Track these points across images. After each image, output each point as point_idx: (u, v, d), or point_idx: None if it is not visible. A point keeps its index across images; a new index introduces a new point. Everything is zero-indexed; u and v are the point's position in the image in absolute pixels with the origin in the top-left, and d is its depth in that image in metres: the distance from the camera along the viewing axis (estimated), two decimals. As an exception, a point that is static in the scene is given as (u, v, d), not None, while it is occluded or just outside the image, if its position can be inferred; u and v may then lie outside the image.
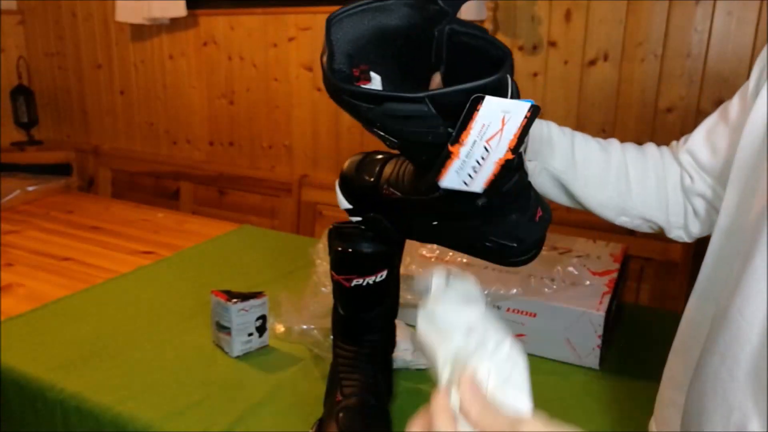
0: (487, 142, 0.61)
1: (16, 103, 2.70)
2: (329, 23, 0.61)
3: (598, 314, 1.03)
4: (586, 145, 0.81)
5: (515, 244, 0.72)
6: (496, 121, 0.59)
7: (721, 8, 1.55)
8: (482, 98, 0.57)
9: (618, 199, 0.82)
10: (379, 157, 0.82)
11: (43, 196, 2.13)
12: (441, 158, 0.62)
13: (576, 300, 1.06)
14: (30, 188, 2.11)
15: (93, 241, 1.69)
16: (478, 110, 0.58)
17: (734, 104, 0.77)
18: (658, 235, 0.89)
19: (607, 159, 0.81)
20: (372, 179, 0.79)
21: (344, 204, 0.83)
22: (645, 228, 0.86)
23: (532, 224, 0.72)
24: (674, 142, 0.86)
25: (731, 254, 0.67)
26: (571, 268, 1.15)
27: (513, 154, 0.61)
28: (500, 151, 0.62)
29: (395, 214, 0.79)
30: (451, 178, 0.63)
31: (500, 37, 1.81)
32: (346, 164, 0.84)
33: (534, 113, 0.59)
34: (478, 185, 0.64)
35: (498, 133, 0.61)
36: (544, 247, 1.28)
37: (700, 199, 0.81)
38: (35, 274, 1.46)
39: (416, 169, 0.73)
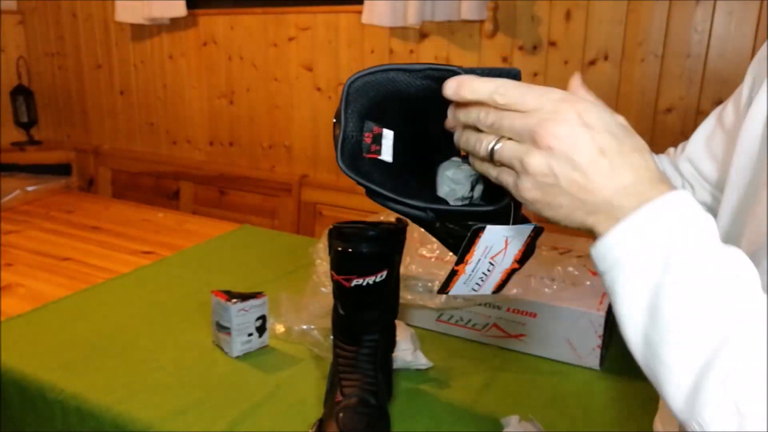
0: (491, 259, 0.62)
1: (16, 103, 2.70)
2: (349, 87, 0.60)
3: (599, 314, 1.03)
4: None
5: None
6: (498, 243, 0.60)
7: (721, 8, 1.55)
8: (483, 229, 0.58)
9: None
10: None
11: (44, 196, 2.13)
12: (448, 275, 0.62)
13: (576, 300, 1.06)
14: (30, 188, 2.12)
15: (93, 241, 1.69)
16: (480, 237, 0.58)
17: (729, 111, 0.77)
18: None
19: None
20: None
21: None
22: None
23: None
24: (671, 150, 0.86)
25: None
26: (571, 269, 1.15)
27: (519, 264, 0.62)
28: (506, 263, 0.63)
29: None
30: (458, 288, 0.64)
31: (500, 37, 1.81)
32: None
33: (537, 234, 0.60)
34: (486, 290, 0.65)
35: (502, 251, 0.61)
36: (544, 247, 1.28)
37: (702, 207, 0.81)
38: (35, 274, 1.46)
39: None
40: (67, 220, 1.89)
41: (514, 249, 0.62)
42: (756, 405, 0.40)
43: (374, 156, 0.62)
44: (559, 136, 0.46)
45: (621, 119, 0.49)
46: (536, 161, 0.46)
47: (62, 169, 2.62)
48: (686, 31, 1.60)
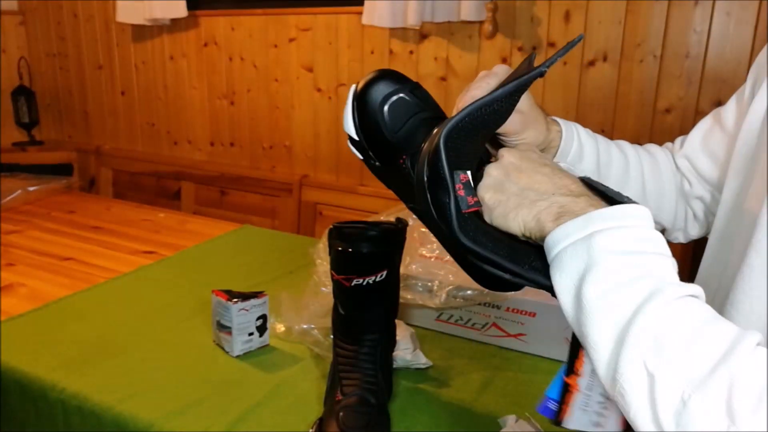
0: None
1: (18, 104, 2.71)
2: (448, 142, 0.54)
3: (597, 314, 1.03)
4: (607, 148, 0.81)
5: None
6: None
7: (720, 9, 1.55)
8: None
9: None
10: (425, 116, 0.66)
11: (45, 196, 2.13)
12: (561, 393, 0.56)
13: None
14: (31, 188, 2.12)
15: (94, 240, 1.69)
16: None
17: (729, 109, 0.78)
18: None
19: (626, 162, 0.81)
20: (395, 135, 0.65)
21: (350, 129, 0.68)
22: None
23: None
24: (669, 145, 0.87)
25: (727, 251, 0.68)
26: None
27: None
28: None
29: (397, 183, 0.69)
30: (577, 418, 0.57)
31: (500, 37, 1.82)
32: (373, 87, 0.66)
33: None
34: (612, 425, 0.57)
35: None
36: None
37: (699, 202, 0.83)
38: (37, 273, 1.46)
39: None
40: (69, 220, 1.90)
41: None
42: (662, 364, 0.43)
43: (475, 209, 0.55)
44: (509, 152, 0.59)
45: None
46: (492, 166, 0.58)
47: (63, 170, 2.62)
48: (685, 31, 1.60)
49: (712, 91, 1.61)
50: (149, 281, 1.42)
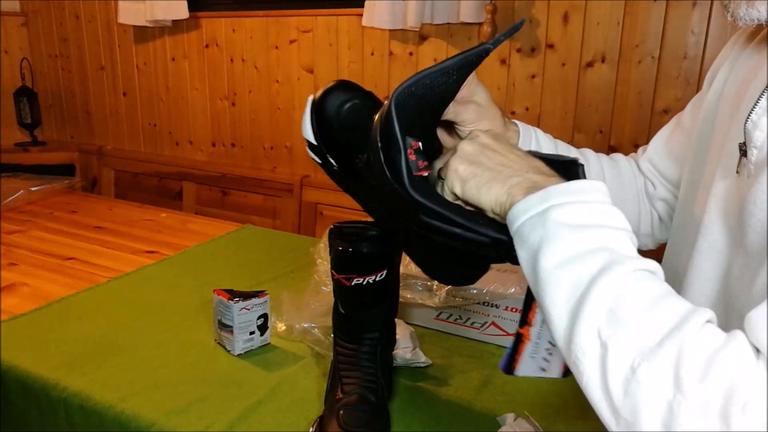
0: None
1: (20, 105, 2.72)
2: (398, 103, 0.57)
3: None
4: (567, 152, 0.82)
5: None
6: None
7: (718, 10, 1.56)
8: None
9: None
10: (373, 117, 0.66)
11: (47, 197, 2.14)
12: (513, 343, 0.59)
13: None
14: (34, 188, 2.13)
15: (96, 240, 1.70)
16: None
17: (687, 111, 0.79)
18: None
19: (587, 168, 0.83)
20: (351, 137, 0.70)
21: (309, 134, 0.73)
22: None
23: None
24: (634, 153, 0.88)
25: (681, 239, 0.70)
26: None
27: None
28: None
29: (354, 185, 0.74)
30: (525, 365, 0.61)
31: (500, 39, 1.83)
32: (330, 96, 0.71)
33: None
34: (554, 370, 0.62)
35: None
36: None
37: (663, 204, 0.84)
38: (39, 273, 1.47)
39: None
40: (71, 220, 1.91)
41: None
42: (615, 333, 0.44)
43: (424, 173, 0.58)
44: (480, 134, 0.61)
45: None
46: (465, 143, 0.59)
47: (66, 170, 2.63)
48: (683, 33, 1.61)
49: (711, 92, 1.62)
50: (151, 281, 1.42)
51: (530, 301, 0.57)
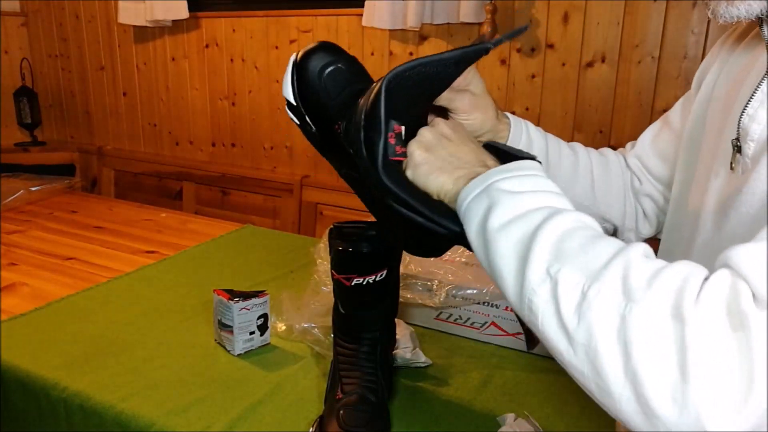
0: None
1: (20, 105, 2.72)
2: (389, 87, 0.58)
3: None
4: (557, 145, 0.83)
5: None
6: None
7: (718, 10, 1.56)
8: None
9: (583, 199, 0.83)
10: (360, 87, 0.68)
11: (47, 197, 2.14)
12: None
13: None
14: (34, 188, 2.13)
15: (96, 240, 1.70)
16: None
17: (676, 111, 0.80)
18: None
19: (576, 160, 0.83)
20: (332, 102, 0.69)
21: (288, 93, 0.71)
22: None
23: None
24: (622, 149, 0.89)
25: (674, 240, 0.71)
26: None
27: None
28: None
29: (331, 150, 0.72)
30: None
31: (499, 39, 1.83)
32: (312, 57, 0.69)
33: None
34: None
35: None
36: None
37: (648, 200, 0.85)
38: (39, 273, 1.47)
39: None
40: (71, 220, 1.91)
41: None
42: (565, 267, 0.46)
43: (400, 159, 0.60)
44: (439, 123, 0.64)
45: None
46: (425, 132, 0.62)
47: (66, 170, 2.63)
48: (683, 32, 1.61)
49: (711, 92, 1.62)
50: (151, 281, 1.42)
51: None
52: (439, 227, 0.58)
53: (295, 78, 0.69)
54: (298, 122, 0.72)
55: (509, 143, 0.77)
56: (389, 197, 0.58)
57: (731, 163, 0.58)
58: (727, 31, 0.70)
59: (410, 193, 0.58)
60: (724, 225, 0.58)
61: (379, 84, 0.59)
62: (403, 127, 0.60)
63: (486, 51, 0.62)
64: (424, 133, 0.62)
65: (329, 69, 0.68)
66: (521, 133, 0.78)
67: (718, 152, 0.62)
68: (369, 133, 0.58)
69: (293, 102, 0.70)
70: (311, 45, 0.70)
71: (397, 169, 0.59)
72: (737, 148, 0.57)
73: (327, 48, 0.70)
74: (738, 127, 0.57)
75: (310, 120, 0.70)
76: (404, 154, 0.61)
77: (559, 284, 0.46)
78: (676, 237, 0.72)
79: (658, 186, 0.84)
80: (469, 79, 0.71)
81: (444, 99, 0.70)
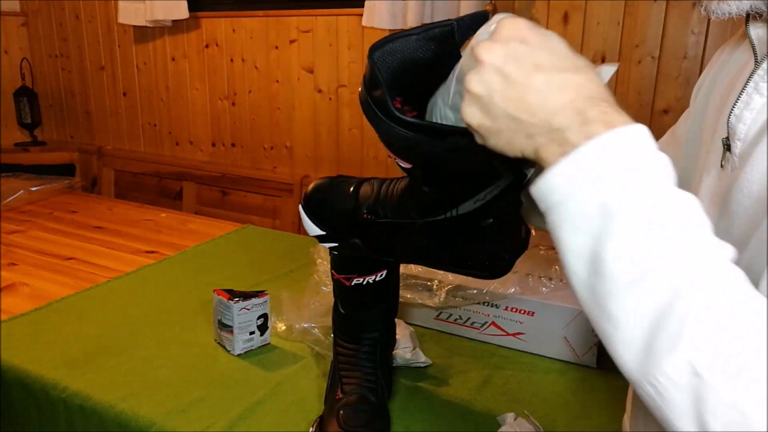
0: None
1: (20, 105, 2.72)
2: (373, 52, 0.60)
3: (595, 313, 1.04)
4: None
5: (497, 263, 0.77)
6: None
7: (718, 10, 1.56)
8: None
9: None
10: (350, 181, 0.82)
11: (47, 197, 2.14)
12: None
13: (573, 299, 1.07)
14: (34, 188, 2.13)
15: (96, 240, 1.70)
16: None
17: (680, 125, 0.80)
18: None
19: None
20: (349, 203, 0.79)
21: (314, 230, 0.82)
22: None
23: (515, 246, 0.77)
24: None
25: None
26: (568, 268, 1.16)
27: None
28: None
29: (375, 238, 0.80)
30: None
31: (500, 38, 1.83)
32: (310, 189, 0.83)
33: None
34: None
35: None
36: (542, 247, 1.29)
37: None
38: (39, 273, 1.47)
39: (413, 191, 0.75)
40: (71, 220, 1.91)
41: None
42: (713, 365, 0.37)
43: (413, 114, 0.61)
44: (491, 50, 0.44)
45: (563, 41, 0.46)
46: (472, 78, 0.45)
47: (66, 170, 2.63)
48: (683, 32, 1.61)
49: (711, 92, 1.62)
50: (151, 281, 1.42)
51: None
52: (445, 157, 0.59)
53: (309, 219, 0.81)
54: (338, 246, 0.83)
55: None
56: (411, 131, 0.58)
57: (722, 162, 0.59)
58: (729, 39, 0.71)
59: (418, 127, 0.58)
60: (717, 222, 0.59)
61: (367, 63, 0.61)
62: (405, 105, 0.61)
63: (449, 27, 0.61)
64: (470, 85, 0.45)
65: (325, 196, 0.81)
66: None
67: (711, 152, 0.62)
68: (373, 94, 0.59)
69: (323, 233, 0.81)
70: (307, 190, 0.83)
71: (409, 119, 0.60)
72: (727, 147, 0.58)
73: (318, 186, 0.83)
74: (727, 127, 0.57)
75: (343, 234, 0.81)
76: (416, 117, 0.59)
77: (705, 389, 0.37)
78: None
79: None
80: None
81: None
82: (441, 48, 0.62)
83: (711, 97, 0.68)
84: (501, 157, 0.48)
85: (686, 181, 0.71)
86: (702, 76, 0.75)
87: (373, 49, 0.60)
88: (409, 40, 0.60)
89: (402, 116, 0.57)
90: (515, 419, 0.88)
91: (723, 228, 0.57)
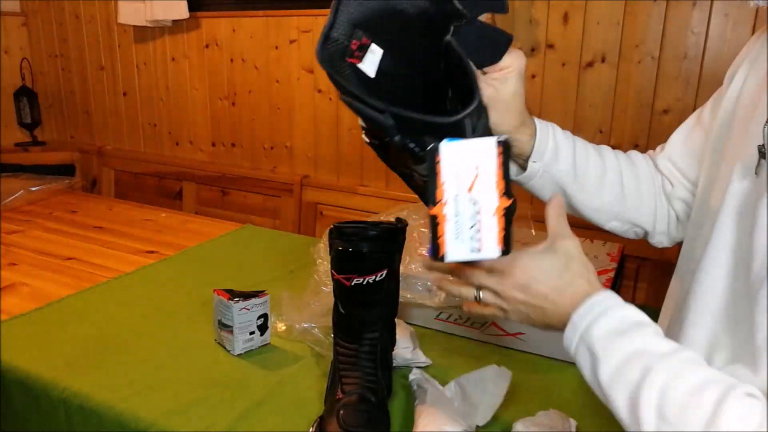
0: (469, 192, 0.57)
1: (20, 104, 2.72)
2: None
3: (595, 313, 1.04)
4: (585, 150, 0.81)
5: None
6: (466, 167, 0.56)
7: (718, 10, 1.56)
8: (437, 149, 0.56)
9: (613, 204, 0.83)
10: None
11: (47, 197, 2.14)
12: (430, 227, 0.58)
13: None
14: (34, 188, 2.13)
15: (96, 240, 1.70)
16: (439, 160, 0.56)
17: (707, 109, 0.79)
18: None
19: (603, 165, 0.82)
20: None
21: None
22: (630, 234, 0.87)
23: None
24: (651, 151, 0.88)
25: (696, 237, 0.71)
26: (568, 268, 1.16)
27: (509, 198, 0.58)
28: (491, 199, 0.57)
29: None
30: (453, 249, 0.58)
31: (499, 38, 1.83)
32: None
33: (506, 149, 0.56)
34: (490, 248, 0.59)
35: (476, 179, 0.56)
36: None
37: (681, 203, 0.84)
38: (39, 273, 1.47)
39: None
40: (71, 220, 1.91)
41: (490, 175, 0.56)
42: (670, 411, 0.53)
43: (355, 61, 0.60)
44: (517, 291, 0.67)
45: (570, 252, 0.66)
46: (511, 307, 0.68)
47: (66, 170, 2.63)
48: (683, 32, 1.61)
49: (710, 92, 1.59)
50: (151, 281, 1.42)
51: (434, 173, 0.56)
52: (373, 110, 0.57)
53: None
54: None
55: (536, 150, 0.76)
56: (333, 81, 0.59)
57: (756, 169, 0.58)
58: (761, 29, 0.70)
59: (346, 80, 0.59)
60: (743, 228, 0.59)
61: None
62: (375, 46, 0.61)
63: None
64: (498, 303, 0.68)
65: None
66: (547, 140, 0.77)
67: (743, 155, 0.62)
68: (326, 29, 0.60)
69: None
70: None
71: (349, 68, 0.60)
72: (763, 155, 0.57)
73: None
74: (764, 135, 0.57)
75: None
76: (361, 60, 0.61)
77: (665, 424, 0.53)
78: (698, 233, 0.72)
79: (690, 187, 0.82)
80: (508, 80, 0.70)
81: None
82: (434, 7, 0.61)
83: (743, 94, 0.68)
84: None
85: (712, 175, 0.70)
86: (736, 61, 0.73)
87: None
88: None
89: (321, 53, 0.58)
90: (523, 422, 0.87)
91: (747, 233, 0.57)
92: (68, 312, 1.26)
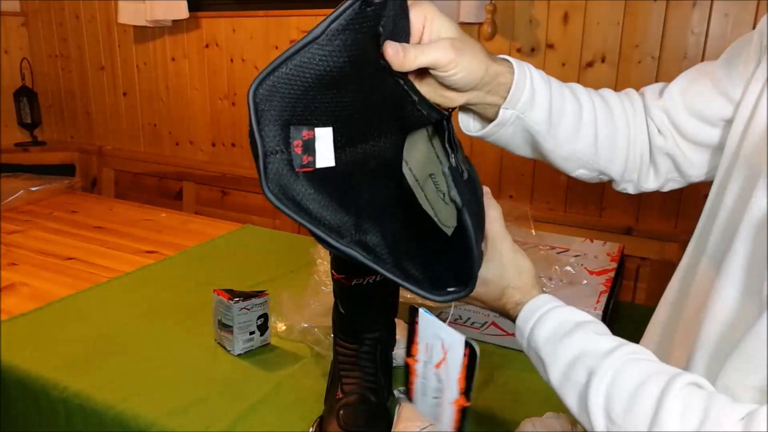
0: (436, 368, 0.61)
1: (20, 104, 2.72)
2: (254, 97, 0.49)
3: (596, 313, 1.04)
4: (561, 95, 0.72)
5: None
6: (437, 345, 0.60)
7: (718, 10, 1.56)
8: (417, 312, 0.61)
9: (584, 154, 0.76)
10: None
11: (47, 197, 2.14)
12: (404, 370, 0.62)
13: (574, 299, 1.06)
14: (34, 188, 2.13)
15: (96, 240, 1.70)
16: (417, 323, 0.61)
17: (719, 67, 0.73)
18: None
19: (579, 108, 0.74)
20: None
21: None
22: (595, 180, 0.80)
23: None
24: (646, 93, 0.80)
25: (700, 257, 0.68)
26: (568, 268, 1.17)
27: (467, 399, 0.61)
28: (452, 389, 0.60)
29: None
30: (420, 401, 0.63)
31: (498, 39, 1.83)
32: None
33: (473, 357, 0.60)
34: (446, 425, 0.63)
35: (443, 361, 0.60)
36: (542, 246, 1.29)
37: (667, 159, 0.78)
38: (39, 273, 1.47)
39: None
40: (71, 220, 1.91)
41: (455, 367, 0.60)
42: (615, 406, 0.55)
43: (309, 169, 0.50)
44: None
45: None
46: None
47: (66, 170, 2.63)
48: (683, 32, 1.61)
49: (711, 92, 1.62)
50: (151, 281, 1.42)
51: (412, 333, 0.59)
52: (348, 256, 0.52)
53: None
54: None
55: (511, 95, 0.67)
56: (285, 211, 0.50)
57: None
58: None
59: (316, 216, 0.50)
60: (759, 243, 0.55)
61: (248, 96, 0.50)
62: (319, 130, 0.51)
63: (362, 13, 0.51)
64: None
65: None
66: (525, 82, 0.67)
67: (765, 166, 0.57)
68: (254, 155, 0.49)
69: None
70: None
71: (305, 183, 0.50)
72: None
73: None
74: None
75: None
76: (312, 165, 0.51)
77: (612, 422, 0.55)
78: (704, 246, 0.68)
79: (680, 142, 0.76)
80: (437, 27, 0.60)
81: (419, 60, 0.57)
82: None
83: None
84: None
85: (724, 182, 0.67)
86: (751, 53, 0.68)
87: (253, 89, 0.49)
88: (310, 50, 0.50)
89: (270, 196, 0.49)
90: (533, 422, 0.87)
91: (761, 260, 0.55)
92: (68, 312, 1.26)
